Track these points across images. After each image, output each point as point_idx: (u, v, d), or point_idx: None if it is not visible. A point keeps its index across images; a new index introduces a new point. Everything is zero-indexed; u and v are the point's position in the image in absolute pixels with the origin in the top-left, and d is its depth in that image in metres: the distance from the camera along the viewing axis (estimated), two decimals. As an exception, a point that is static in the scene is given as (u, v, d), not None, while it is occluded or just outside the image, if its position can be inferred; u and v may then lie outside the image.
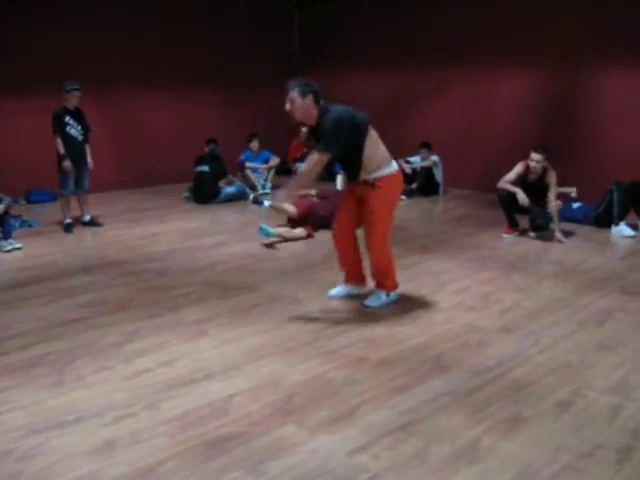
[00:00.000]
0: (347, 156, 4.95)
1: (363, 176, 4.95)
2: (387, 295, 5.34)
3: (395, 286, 5.36)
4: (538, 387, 3.92)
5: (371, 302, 5.30)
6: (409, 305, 5.34)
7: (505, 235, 7.68)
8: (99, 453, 3.19)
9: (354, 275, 5.53)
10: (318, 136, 4.82)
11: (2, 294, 5.91)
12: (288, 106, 4.79)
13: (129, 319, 5.04)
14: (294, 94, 4.76)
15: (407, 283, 5.86)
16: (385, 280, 5.29)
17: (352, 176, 5.05)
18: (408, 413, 3.58)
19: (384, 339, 4.64)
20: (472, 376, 4.05)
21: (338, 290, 5.56)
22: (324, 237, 7.66)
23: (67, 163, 7.87)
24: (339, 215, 5.31)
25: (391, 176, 5.01)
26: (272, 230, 7.46)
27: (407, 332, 4.77)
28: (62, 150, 7.89)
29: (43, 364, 4.21)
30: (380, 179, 4.94)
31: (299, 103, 4.77)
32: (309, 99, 4.77)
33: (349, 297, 5.49)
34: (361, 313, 5.15)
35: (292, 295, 5.58)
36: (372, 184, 4.93)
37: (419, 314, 5.14)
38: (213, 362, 4.24)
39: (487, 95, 10.39)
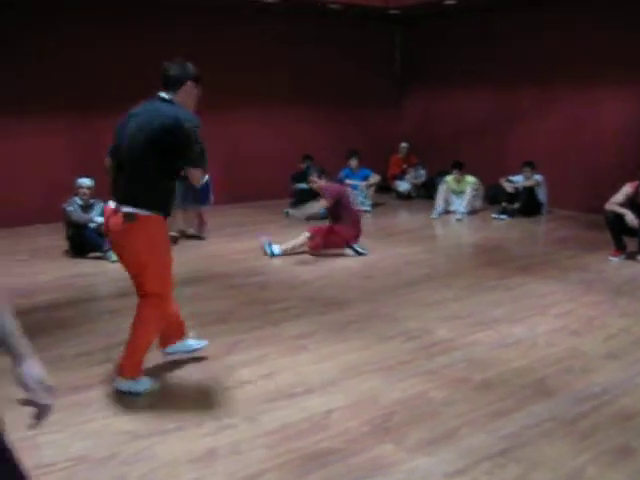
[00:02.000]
0: None
1: None
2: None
3: None
4: (647, 417, 3.76)
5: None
6: (511, 327, 5.23)
7: (612, 258, 7.41)
8: (200, 461, 3.26)
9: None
10: None
11: (109, 303, 6.17)
12: None
13: (230, 331, 5.15)
14: None
15: (509, 304, 5.77)
16: None
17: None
18: (509, 438, 3.50)
19: (485, 360, 4.56)
20: (576, 402, 3.92)
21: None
22: (425, 257, 7.64)
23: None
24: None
25: None
26: (276, 251, 7.65)
27: (509, 354, 4.67)
28: None
29: (149, 372, 4.35)
30: None
31: None
32: None
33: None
34: (462, 334, 5.08)
35: (390, 313, 5.56)
36: None
37: (521, 336, 5.03)
38: (312, 377, 4.27)
39: (593, 113, 10.09)
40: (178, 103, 3.86)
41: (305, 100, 11.84)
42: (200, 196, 3.27)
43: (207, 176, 3.86)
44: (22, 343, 1.68)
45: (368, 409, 3.82)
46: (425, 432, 3.55)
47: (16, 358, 1.64)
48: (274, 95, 11.42)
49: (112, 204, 3.88)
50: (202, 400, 3.97)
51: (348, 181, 10.91)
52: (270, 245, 7.66)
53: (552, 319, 5.45)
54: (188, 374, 4.35)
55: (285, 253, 7.65)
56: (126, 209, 3.77)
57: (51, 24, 9.39)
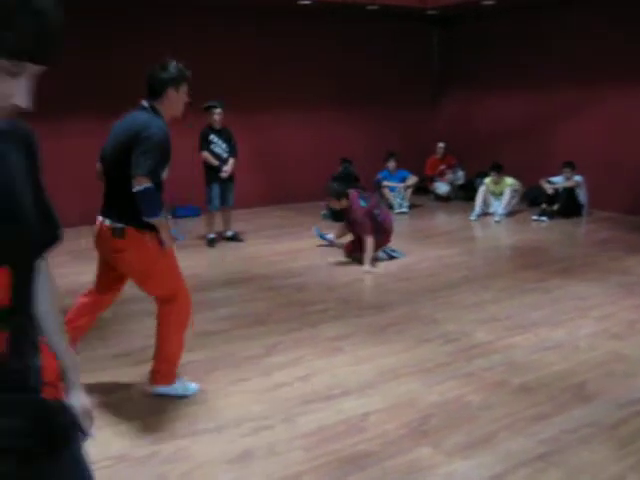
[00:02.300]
0: None
1: None
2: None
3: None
4: (690, 424, 3.68)
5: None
6: (551, 330, 5.17)
7: (655, 260, 7.29)
8: (237, 462, 3.29)
9: None
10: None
11: (147, 304, 6.21)
12: None
13: (268, 333, 5.18)
14: None
15: (548, 307, 5.71)
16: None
17: None
18: (548, 442, 3.45)
19: (524, 364, 4.51)
20: (617, 408, 3.86)
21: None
22: (463, 259, 7.59)
23: (223, 169, 8.31)
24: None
25: None
26: (327, 236, 8.23)
27: (549, 358, 4.62)
28: (215, 162, 8.25)
29: (183, 373, 4.38)
30: None
31: None
32: None
33: None
34: (500, 337, 5.03)
35: (429, 315, 5.53)
36: None
37: (561, 340, 4.97)
38: (349, 379, 4.27)
39: (634, 113, 9.92)
40: (162, 110, 3.81)
41: (343, 102, 11.84)
42: (141, 206, 3.21)
43: (148, 186, 3.71)
44: (73, 369, 1.72)
45: (405, 412, 3.81)
46: (463, 436, 3.52)
47: (66, 385, 1.68)
48: (311, 97, 11.44)
49: (99, 217, 3.86)
50: (239, 401, 3.99)
51: (386, 182, 10.91)
52: (322, 233, 8.25)
53: (592, 322, 5.38)
54: (225, 375, 4.38)
55: (333, 243, 8.14)
56: (112, 223, 3.75)
57: (81, 24, 9.55)
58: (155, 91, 3.81)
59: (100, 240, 3.92)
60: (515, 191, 10.26)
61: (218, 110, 8.32)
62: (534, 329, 5.18)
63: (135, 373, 4.41)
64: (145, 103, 3.83)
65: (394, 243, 7.69)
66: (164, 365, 4.00)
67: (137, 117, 3.77)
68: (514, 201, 10.30)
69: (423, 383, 4.20)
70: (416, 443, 3.44)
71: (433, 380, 4.24)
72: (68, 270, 7.30)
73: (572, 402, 3.93)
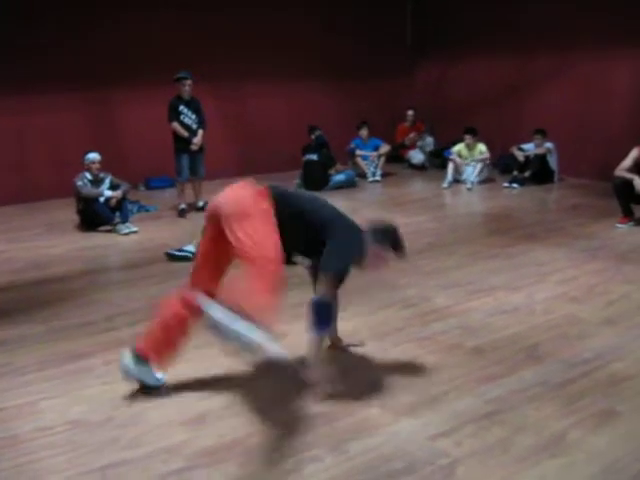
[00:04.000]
0: None
1: None
2: None
3: None
4: (637, 382, 3.78)
5: None
6: (509, 294, 5.27)
7: (619, 225, 7.38)
8: (191, 424, 3.38)
9: None
10: None
11: (117, 274, 6.31)
12: None
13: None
14: None
15: (510, 272, 5.81)
16: None
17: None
18: (495, 402, 3.56)
19: (481, 327, 4.61)
20: (567, 368, 3.96)
21: None
22: (431, 226, 7.65)
23: (192, 141, 8.34)
24: None
25: None
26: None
27: (505, 321, 4.72)
28: (185, 133, 8.26)
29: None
30: None
31: None
32: None
33: None
34: (459, 301, 5.12)
35: (391, 281, 5.59)
36: None
37: (519, 303, 5.07)
38: (306, 345, 4.33)
39: (604, 80, 9.97)
40: None
41: (316, 71, 11.77)
42: None
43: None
44: None
45: (358, 374, 3.91)
46: (412, 396, 3.61)
47: None
48: (285, 67, 11.34)
49: None
50: (198, 367, 4.05)
51: (359, 152, 10.94)
52: None
53: (552, 286, 5.47)
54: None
55: None
56: None
57: (67, 1, 9.47)
58: None
59: None
60: (486, 159, 10.31)
61: (189, 81, 8.30)
62: (493, 293, 5.28)
63: (99, 341, 4.50)
64: None
65: (367, 211, 7.76)
66: None
67: None
68: (485, 169, 10.37)
69: (378, 347, 4.28)
70: (365, 404, 3.54)
71: (388, 343, 4.34)
72: (40, 243, 7.34)
73: (523, 363, 4.03)
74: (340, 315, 4.78)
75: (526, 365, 4.01)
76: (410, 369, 3.97)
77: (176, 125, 8.29)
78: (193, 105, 8.38)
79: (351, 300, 5.13)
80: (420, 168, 11.76)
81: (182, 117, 8.32)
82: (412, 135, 11.96)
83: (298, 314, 4.85)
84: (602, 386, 3.73)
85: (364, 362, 4.08)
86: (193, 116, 8.36)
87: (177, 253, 6.41)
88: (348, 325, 4.65)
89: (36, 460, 3.11)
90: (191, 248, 6.40)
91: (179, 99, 8.33)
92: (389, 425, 3.32)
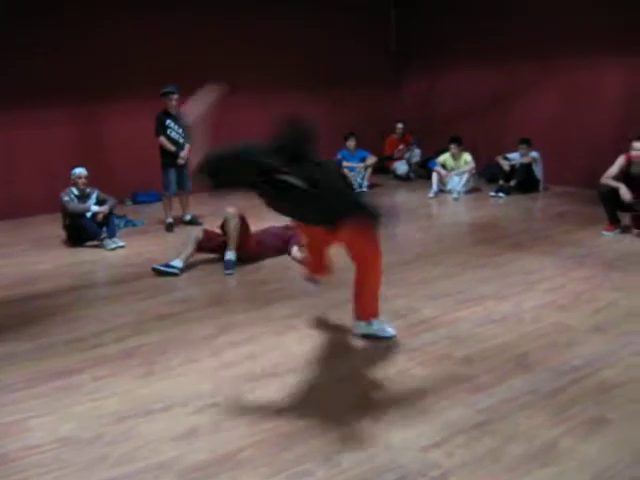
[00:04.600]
0: None
1: None
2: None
3: None
4: (627, 389, 3.79)
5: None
6: (498, 303, 5.28)
7: (606, 232, 7.42)
8: (182, 439, 3.36)
9: None
10: None
11: (104, 289, 6.28)
12: None
13: (222, 313, 5.23)
14: None
15: (498, 281, 5.82)
16: None
17: None
18: (486, 412, 3.55)
19: (470, 337, 4.61)
20: (557, 376, 3.97)
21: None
22: (418, 236, 7.65)
23: (179, 155, 8.35)
24: None
25: None
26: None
27: (493, 330, 4.72)
28: (172, 147, 8.27)
29: (136, 355, 4.44)
30: None
31: None
32: None
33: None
34: (448, 311, 5.13)
35: (380, 293, 5.59)
36: None
37: (507, 312, 5.07)
38: (297, 357, 4.34)
39: (589, 87, 10.04)
40: None
41: (301, 83, 11.78)
42: None
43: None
44: None
45: (349, 387, 3.90)
46: (403, 407, 3.61)
47: None
48: (270, 78, 11.35)
49: None
50: (188, 381, 4.05)
51: (345, 163, 10.96)
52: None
53: (540, 295, 5.49)
54: (176, 356, 4.43)
55: None
56: None
57: (51, 13, 9.44)
58: None
59: None
60: (472, 169, 10.35)
61: (176, 96, 8.31)
62: (482, 303, 5.29)
63: (86, 357, 4.47)
64: None
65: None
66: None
67: None
68: (471, 179, 10.42)
69: (368, 359, 4.28)
70: (357, 416, 3.52)
71: (378, 356, 4.33)
72: (27, 259, 7.30)
73: (513, 372, 4.04)
74: (330, 327, 4.84)
75: (516, 374, 4.01)
76: (400, 380, 3.97)
77: (163, 139, 8.29)
78: (180, 119, 8.38)
79: (341, 312, 5.15)
80: (405, 179, 11.83)
81: (169, 131, 8.32)
82: (401, 147, 12.01)
83: (283, 327, 4.89)
84: (592, 394, 3.74)
85: (354, 374, 4.07)
86: (180, 130, 8.37)
87: (163, 269, 6.37)
88: (338, 336, 4.67)
89: (25, 479, 3.07)
90: (177, 263, 6.39)
91: (166, 113, 8.33)
92: (381, 437, 3.31)
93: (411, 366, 4.16)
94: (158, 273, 6.36)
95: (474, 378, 3.97)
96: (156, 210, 9.52)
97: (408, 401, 3.70)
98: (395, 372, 4.08)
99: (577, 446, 3.20)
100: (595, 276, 5.94)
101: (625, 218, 7.49)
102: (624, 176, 7.28)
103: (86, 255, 7.36)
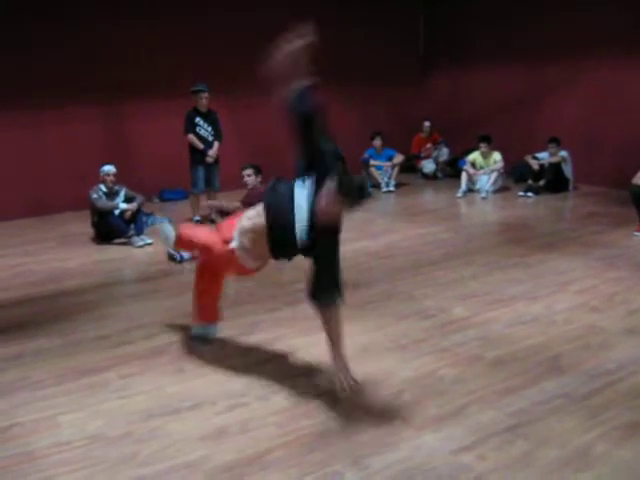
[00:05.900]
0: None
1: None
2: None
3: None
4: (661, 393, 3.73)
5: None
6: (529, 304, 5.21)
7: (637, 233, 7.30)
8: (210, 439, 3.34)
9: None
10: None
11: (132, 287, 6.29)
12: None
13: (250, 312, 5.21)
14: None
15: (528, 282, 5.75)
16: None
17: None
18: (518, 414, 3.50)
19: (500, 338, 4.55)
20: (590, 379, 3.90)
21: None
22: (447, 236, 7.61)
23: (208, 153, 8.37)
24: None
25: None
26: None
27: (525, 332, 4.66)
28: (200, 145, 8.29)
29: (165, 353, 4.44)
30: None
31: None
32: None
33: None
34: (478, 312, 5.07)
35: (408, 292, 5.56)
36: None
37: (538, 314, 5.00)
38: (326, 357, 4.28)
39: (619, 87, 9.88)
40: None
41: (329, 82, 11.61)
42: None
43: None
44: None
45: (378, 388, 3.86)
46: (433, 410, 3.57)
47: None
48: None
49: None
50: (217, 380, 4.03)
51: (372, 162, 10.90)
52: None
53: (572, 296, 5.41)
54: (204, 355, 4.42)
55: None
56: None
57: (80, 13, 9.50)
58: None
59: None
60: (500, 168, 10.24)
61: (205, 94, 8.33)
62: (512, 304, 5.22)
63: (114, 355, 4.47)
64: None
65: (381, 221, 7.73)
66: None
67: None
68: (500, 178, 10.31)
69: (397, 359, 4.24)
70: (387, 418, 3.49)
71: (407, 356, 4.28)
72: (55, 256, 7.34)
73: (545, 375, 3.98)
74: (358, 327, 4.79)
75: (548, 376, 3.95)
76: (430, 382, 3.92)
77: (192, 137, 8.31)
78: (210, 117, 8.40)
79: (368, 311, 5.12)
80: (432, 177, 11.73)
81: (198, 129, 8.33)
82: (429, 146, 11.93)
83: (309, 327, 4.85)
84: (626, 398, 3.67)
85: (384, 375, 4.03)
86: (209, 128, 8.39)
87: (175, 254, 6.70)
88: (366, 337, 4.63)
89: (53, 476, 3.08)
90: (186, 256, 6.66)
91: (195, 111, 8.35)
92: (411, 439, 3.27)
93: (441, 367, 4.11)
94: (171, 258, 6.80)
95: (505, 380, 3.91)
96: (183, 208, 9.53)
97: (438, 403, 3.65)
98: (425, 373, 4.04)
99: (611, 451, 3.14)
100: (627, 277, 5.84)
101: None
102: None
103: (114, 252, 7.39)
